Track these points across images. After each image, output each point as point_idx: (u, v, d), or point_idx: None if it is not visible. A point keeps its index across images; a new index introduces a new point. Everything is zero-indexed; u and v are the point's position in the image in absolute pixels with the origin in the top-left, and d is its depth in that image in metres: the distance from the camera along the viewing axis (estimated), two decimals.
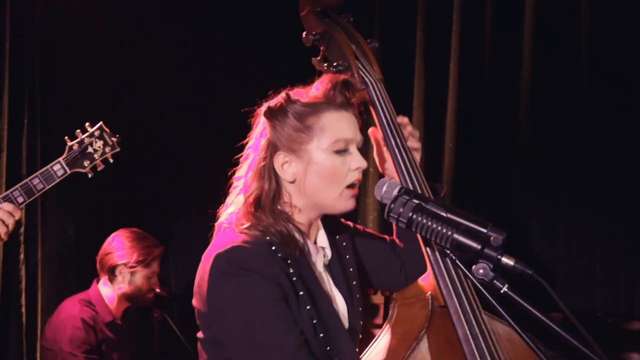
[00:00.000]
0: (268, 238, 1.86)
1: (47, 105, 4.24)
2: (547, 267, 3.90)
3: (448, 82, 4.12)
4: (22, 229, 4.08)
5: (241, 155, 2.01)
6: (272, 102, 1.96)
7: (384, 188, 1.79)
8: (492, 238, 1.60)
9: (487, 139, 4.08)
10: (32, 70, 4.16)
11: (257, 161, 1.94)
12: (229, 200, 2.00)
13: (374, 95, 2.20)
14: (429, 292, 2.09)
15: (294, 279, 1.85)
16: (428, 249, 2.06)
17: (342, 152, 1.93)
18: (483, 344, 1.97)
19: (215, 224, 1.99)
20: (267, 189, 1.91)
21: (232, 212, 1.95)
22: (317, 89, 1.96)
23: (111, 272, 3.82)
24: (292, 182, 1.93)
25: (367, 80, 2.20)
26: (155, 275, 3.90)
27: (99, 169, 3.01)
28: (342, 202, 1.94)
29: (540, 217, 4.01)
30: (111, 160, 3.02)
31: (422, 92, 4.20)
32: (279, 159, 1.92)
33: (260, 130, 1.97)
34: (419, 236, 2.08)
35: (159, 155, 4.69)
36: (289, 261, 1.86)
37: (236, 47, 4.70)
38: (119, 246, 3.83)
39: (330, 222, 2.09)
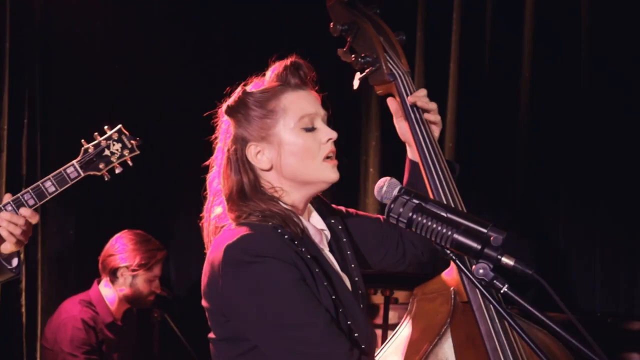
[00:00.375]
0: (270, 223, 1.86)
1: (47, 105, 4.24)
2: (547, 267, 3.90)
3: (448, 82, 4.12)
4: None
5: (211, 160, 2.02)
6: (231, 100, 1.99)
7: (384, 188, 1.79)
8: (492, 238, 1.60)
9: (487, 139, 4.08)
10: (32, 70, 4.16)
11: (228, 158, 1.95)
12: (207, 206, 1.99)
13: (402, 88, 2.18)
14: (452, 288, 2.08)
15: (308, 256, 1.86)
16: None
17: (309, 129, 1.93)
18: (505, 341, 1.97)
19: (203, 234, 1.99)
20: (247, 181, 1.92)
21: (220, 214, 1.94)
22: (270, 76, 1.99)
23: (113, 274, 3.82)
24: (270, 169, 1.94)
25: (395, 73, 2.18)
26: (157, 279, 3.90)
27: (116, 172, 2.93)
28: (324, 173, 1.94)
29: (540, 217, 4.01)
30: (130, 164, 2.95)
31: None
32: (251, 150, 1.93)
33: (224, 129, 1.99)
34: None
35: (159, 155, 4.69)
36: (296, 242, 1.86)
37: (236, 47, 4.71)
38: (121, 248, 3.82)
39: (322, 207, 2.09)
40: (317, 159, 1.93)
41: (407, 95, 2.18)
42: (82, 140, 2.89)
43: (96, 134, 2.91)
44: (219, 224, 1.94)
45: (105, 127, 2.93)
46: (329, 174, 1.95)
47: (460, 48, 4.08)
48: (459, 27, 4.09)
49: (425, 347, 1.99)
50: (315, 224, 2.02)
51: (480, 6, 4.08)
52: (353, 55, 2.21)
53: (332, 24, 2.27)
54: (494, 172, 4.08)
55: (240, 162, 1.93)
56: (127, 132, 2.94)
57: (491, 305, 1.98)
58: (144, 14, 4.59)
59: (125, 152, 2.92)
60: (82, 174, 2.84)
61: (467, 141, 4.11)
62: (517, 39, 3.98)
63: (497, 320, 1.98)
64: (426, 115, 2.20)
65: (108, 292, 3.85)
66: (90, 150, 2.87)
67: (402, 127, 2.24)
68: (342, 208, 2.21)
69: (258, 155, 1.93)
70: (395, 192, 1.72)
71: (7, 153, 4.00)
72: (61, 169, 2.81)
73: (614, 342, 3.48)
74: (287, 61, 1.99)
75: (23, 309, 4.09)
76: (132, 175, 4.55)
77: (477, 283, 1.58)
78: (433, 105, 2.20)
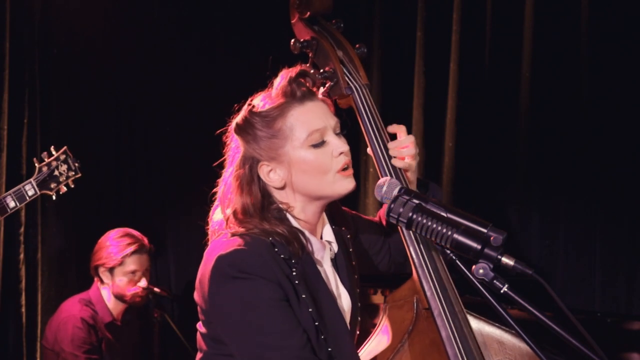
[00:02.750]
0: (270, 239, 1.85)
1: (47, 105, 4.24)
2: (547, 267, 3.90)
3: (448, 82, 4.12)
4: (22, 229, 4.08)
5: (222, 173, 2.01)
6: (239, 118, 1.95)
7: (384, 188, 1.79)
8: (492, 238, 1.60)
9: (487, 139, 4.08)
10: (32, 70, 4.16)
11: (235, 177, 1.93)
12: (213, 214, 1.99)
13: (359, 100, 2.20)
14: (415, 295, 2.09)
15: (296, 282, 1.85)
16: (411, 250, 2.05)
17: (319, 144, 1.91)
18: (467, 346, 1.98)
19: (208, 230, 1.99)
20: (250, 202, 1.90)
21: (221, 220, 1.94)
22: (275, 91, 1.94)
23: (96, 274, 3.84)
24: (283, 187, 1.93)
25: (352, 86, 2.20)
26: (139, 273, 3.86)
27: (61, 193, 3.19)
28: (340, 186, 1.93)
29: (540, 217, 4.01)
30: (72, 186, 3.19)
31: (422, 92, 4.20)
32: (263, 169, 1.92)
33: (234, 147, 1.96)
34: (402, 237, 2.08)
35: (159, 155, 4.69)
36: (293, 261, 1.86)
37: (237, 47, 4.71)
38: (100, 246, 3.85)
39: (334, 213, 2.09)
40: (330, 173, 1.91)
41: (365, 107, 2.20)
42: (34, 159, 3.16)
43: (45, 153, 3.17)
44: (218, 228, 1.94)
45: (52, 147, 3.19)
46: (345, 185, 1.93)
47: (460, 48, 4.08)
48: (459, 27, 4.09)
49: (388, 355, 2.01)
50: (325, 236, 2.02)
51: (480, 6, 4.08)
52: (313, 71, 2.23)
53: (292, 41, 2.29)
54: (494, 172, 4.08)
55: (249, 182, 1.91)
56: (71, 154, 3.21)
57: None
58: (144, 14, 4.59)
59: (70, 174, 3.20)
60: (39, 192, 3.14)
61: (467, 141, 4.11)
62: (517, 39, 3.98)
63: (457, 326, 1.99)
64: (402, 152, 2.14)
65: (105, 292, 3.85)
66: (43, 170, 3.14)
67: None
68: (347, 210, 2.22)
69: (270, 174, 1.92)
70: (395, 192, 1.73)
71: (7, 153, 4.00)
72: (20, 186, 3.09)
73: (614, 342, 3.47)
74: (292, 72, 1.95)
75: (23, 309, 4.09)
76: (131, 175, 4.59)
77: (477, 283, 1.58)
78: (410, 138, 2.15)
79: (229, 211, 1.92)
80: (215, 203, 2.00)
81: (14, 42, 4.03)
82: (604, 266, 3.83)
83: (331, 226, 2.04)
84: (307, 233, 1.94)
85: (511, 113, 4.02)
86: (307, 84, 1.96)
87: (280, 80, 1.94)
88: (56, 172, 3.14)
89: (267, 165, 1.91)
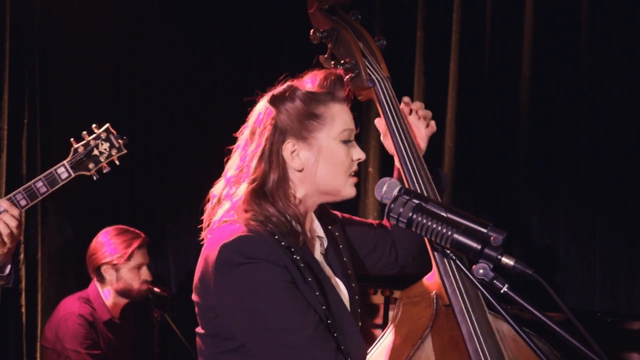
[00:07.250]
0: (269, 228, 1.86)
1: (47, 105, 4.24)
2: (547, 267, 3.90)
3: (448, 82, 4.12)
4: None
5: (232, 147, 2.01)
6: (277, 91, 1.97)
7: (384, 188, 1.80)
8: (492, 238, 1.60)
9: (487, 139, 4.08)
10: (32, 70, 4.16)
11: (264, 148, 1.93)
12: (220, 192, 1.98)
13: (381, 93, 2.20)
14: (434, 291, 2.09)
15: (302, 265, 1.86)
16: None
17: (347, 142, 1.97)
18: (487, 343, 1.98)
19: (205, 208, 1.99)
20: (275, 176, 1.92)
21: (227, 209, 1.93)
22: (318, 82, 1.98)
23: (98, 273, 3.83)
24: (300, 170, 1.94)
25: (375, 78, 2.20)
26: (144, 266, 3.89)
27: (104, 171, 2.94)
28: (348, 189, 1.99)
29: (540, 217, 4.01)
30: (117, 163, 2.94)
31: (422, 92, 4.20)
32: (288, 147, 1.93)
33: (264, 117, 1.96)
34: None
35: (158, 155, 4.69)
36: (292, 249, 1.87)
37: (237, 47, 4.71)
38: (98, 246, 3.84)
39: (321, 213, 2.11)
40: (346, 174, 1.98)
41: (387, 100, 2.20)
42: (72, 140, 2.88)
43: (84, 133, 2.90)
44: (223, 217, 1.93)
45: (93, 125, 2.92)
46: (352, 190, 2.00)
47: (460, 48, 4.08)
48: (459, 27, 4.09)
49: (408, 351, 2.00)
50: (315, 231, 2.04)
51: (480, 6, 4.08)
52: (333, 62, 2.22)
53: (312, 30, 2.28)
54: (494, 172, 4.09)
55: (274, 156, 1.93)
56: (114, 132, 2.93)
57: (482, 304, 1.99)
58: (144, 15, 4.59)
59: (113, 152, 2.92)
60: (73, 174, 2.85)
61: (467, 141, 4.11)
62: (517, 39, 3.98)
63: (478, 323, 1.99)
64: (418, 126, 2.29)
65: (104, 290, 3.85)
66: (80, 150, 2.87)
67: (389, 144, 2.27)
68: (338, 213, 2.23)
69: (293, 155, 1.94)
70: (395, 192, 1.73)
71: (7, 153, 4.00)
72: (52, 169, 2.82)
73: (614, 342, 3.48)
74: (336, 72, 2.02)
75: (23, 309, 4.09)
76: (131, 175, 4.59)
77: (477, 283, 1.58)
78: (428, 113, 2.31)
79: (251, 181, 1.92)
80: (224, 182, 1.98)
81: (14, 42, 4.03)
82: (604, 266, 3.83)
83: (320, 223, 2.07)
84: (302, 225, 1.96)
85: (511, 113, 4.02)
86: (344, 90, 2.01)
87: (322, 77, 1.99)
88: (95, 152, 2.87)
89: (294, 144, 1.93)
